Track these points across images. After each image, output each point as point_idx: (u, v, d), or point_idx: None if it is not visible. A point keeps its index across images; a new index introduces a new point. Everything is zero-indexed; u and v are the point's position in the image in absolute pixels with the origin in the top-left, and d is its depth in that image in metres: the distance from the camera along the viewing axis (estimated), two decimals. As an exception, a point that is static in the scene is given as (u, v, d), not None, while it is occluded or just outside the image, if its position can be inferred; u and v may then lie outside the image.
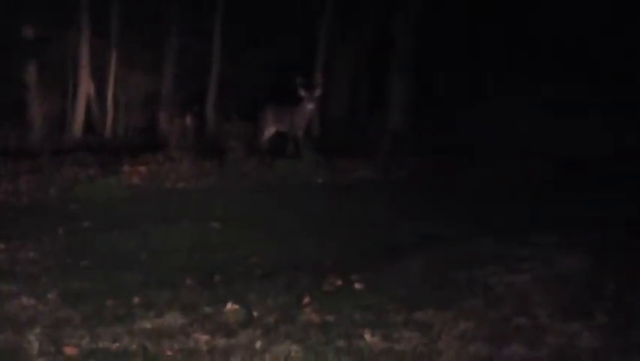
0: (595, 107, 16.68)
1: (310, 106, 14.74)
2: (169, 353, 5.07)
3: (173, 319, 5.74)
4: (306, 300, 6.13)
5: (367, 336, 5.30)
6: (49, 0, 19.82)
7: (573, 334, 5.27)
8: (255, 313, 5.83)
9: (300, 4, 22.03)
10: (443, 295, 6.20)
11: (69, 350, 5.09)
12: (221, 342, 5.24)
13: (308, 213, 10.33)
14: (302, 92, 14.58)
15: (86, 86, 20.56)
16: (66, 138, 19.39)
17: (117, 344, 5.21)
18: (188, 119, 13.56)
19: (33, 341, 5.22)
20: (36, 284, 6.72)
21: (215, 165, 13.57)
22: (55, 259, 7.81)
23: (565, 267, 6.86)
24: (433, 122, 19.29)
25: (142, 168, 13.20)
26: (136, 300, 6.21)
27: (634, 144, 14.94)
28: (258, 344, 5.17)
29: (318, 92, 14.78)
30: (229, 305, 5.98)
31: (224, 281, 6.88)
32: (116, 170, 13.06)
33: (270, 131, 15.49)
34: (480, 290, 6.30)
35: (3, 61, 19.55)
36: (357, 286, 6.59)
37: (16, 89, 19.55)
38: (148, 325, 5.61)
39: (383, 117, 19.64)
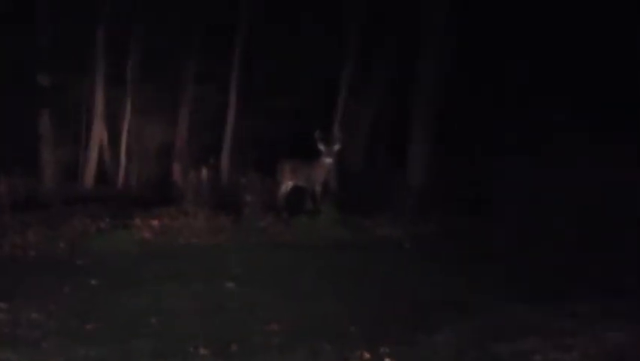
0: (624, 161, 15.96)
1: (329, 160, 14.27)
2: None
3: (185, 396, 5.22)
4: (332, 377, 5.59)
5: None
6: (66, 47, 19.54)
7: None
8: (276, 392, 5.30)
9: (320, 54, 21.72)
10: (483, 374, 5.66)
11: None
12: None
13: (329, 273, 9.78)
14: (321, 146, 14.11)
15: (99, 135, 20.22)
16: (77, 188, 18.98)
17: None
18: (204, 173, 13.09)
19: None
20: (37, 352, 6.21)
21: (230, 220, 13.07)
22: (60, 321, 7.28)
23: (615, 342, 6.30)
24: (455, 177, 18.77)
25: (154, 222, 12.71)
26: (145, 372, 5.69)
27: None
28: None
29: (337, 147, 14.30)
30: (247, 382, 5.45)
31: (241, 351, 6.35)
32: (127, 223, 12.57)
33: (287, 185, 15.01)
34: (524, 369, 5.75)
35: (16, 108, 19.24)
36: (387, 361, 6.05)
37: (28, 137, 19.19)
38: (157, 403, 5.08)
39: (403, 172, 19.10)
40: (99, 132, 20.23)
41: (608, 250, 11.05)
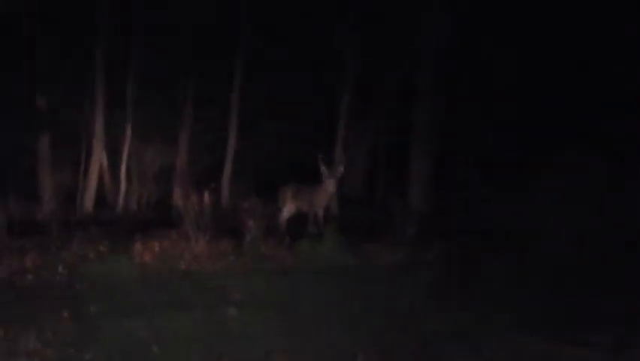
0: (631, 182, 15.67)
1: (332, 185, 14.05)
2: None
3: None
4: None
5: None
6: (65, 70, 19.42)
7: None
8: None
9: (320, 79, 21.65)
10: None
11: None
12: None
13: (334, 300, 9.54)
14: (323, 170, 13.92)
15: (98, 158, 20.06)
16: (77, 211, 18.79)
17: None
18: (206, 197, 12.86)
19: None
20: (33, 383, 6.01)
21: (232, 245, 12.85)
22: (58, 350, 7.06)
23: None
24: (454, 202, 18.63)
25: (155, 247, 12.48)
26: (146, 407, 5.48)
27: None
28: None
29: (340, 171, 14.10)
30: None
31: (246, 384, 6.14)
32: (127, 247, 12.34)
33: (289, 210, 14.83)
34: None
35: (15, 130, 19.09)
36: (397, 394, 5.84)
37: (27, 160, 19.03)
38: None
39: (402, 197, 18.88)
40: (99, 155, 20.07)
41: (617, 274, 10.86)
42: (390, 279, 11.03)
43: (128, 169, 20.46)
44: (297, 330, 8.02)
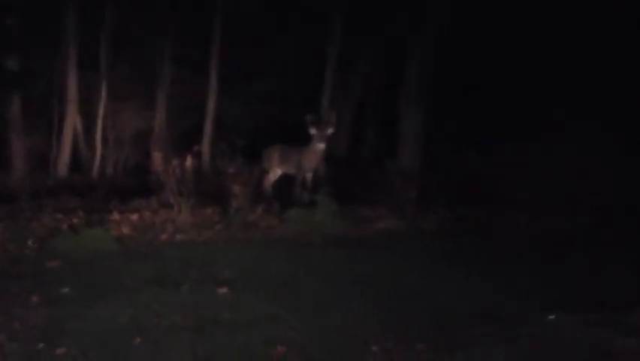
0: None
1: (321, 145, 13.07)
2: None
3: None
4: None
5: None
6: (36, 30, 18.34)
7: None
8: None
9: (305, 32, 20.67)
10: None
11: None
12: None
13: (334, 276, 8.59)
14: (312, 131, 12.94)
15: (72, 122, 19.02)
16: (50, 179, 17.78)
17: None
18: (189, 161, 11.87)
19: None
20: (-7, 388, 5.07)
21: (217, 213, 11.93)
22: (25, 343, 6.11)
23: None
24: (446, 161, 17.77)
25: (133, 217, 11.54)
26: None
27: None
28: None
29: (330, 131, 13.11)
30: None
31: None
32: (103, 218, 11.37)
33: (275, 173, 13.91)
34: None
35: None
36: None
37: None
38: None
39: (391, 156, 17.92)
40: (72, 119, 19.05)
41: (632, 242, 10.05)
42: (394, 251, 10.13)
43: (103, 133, 19.44)
44: (299, 314, 7.09)
